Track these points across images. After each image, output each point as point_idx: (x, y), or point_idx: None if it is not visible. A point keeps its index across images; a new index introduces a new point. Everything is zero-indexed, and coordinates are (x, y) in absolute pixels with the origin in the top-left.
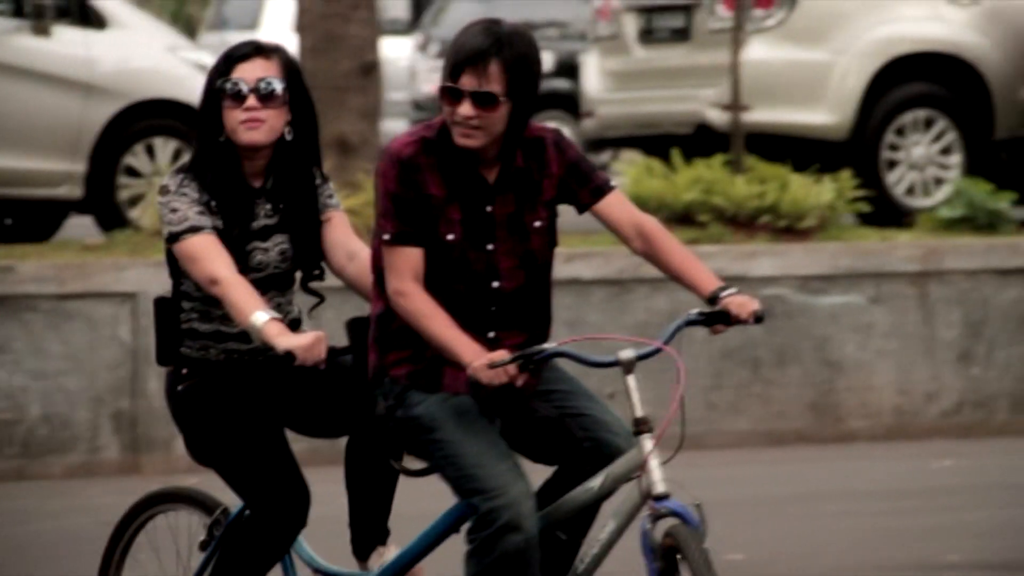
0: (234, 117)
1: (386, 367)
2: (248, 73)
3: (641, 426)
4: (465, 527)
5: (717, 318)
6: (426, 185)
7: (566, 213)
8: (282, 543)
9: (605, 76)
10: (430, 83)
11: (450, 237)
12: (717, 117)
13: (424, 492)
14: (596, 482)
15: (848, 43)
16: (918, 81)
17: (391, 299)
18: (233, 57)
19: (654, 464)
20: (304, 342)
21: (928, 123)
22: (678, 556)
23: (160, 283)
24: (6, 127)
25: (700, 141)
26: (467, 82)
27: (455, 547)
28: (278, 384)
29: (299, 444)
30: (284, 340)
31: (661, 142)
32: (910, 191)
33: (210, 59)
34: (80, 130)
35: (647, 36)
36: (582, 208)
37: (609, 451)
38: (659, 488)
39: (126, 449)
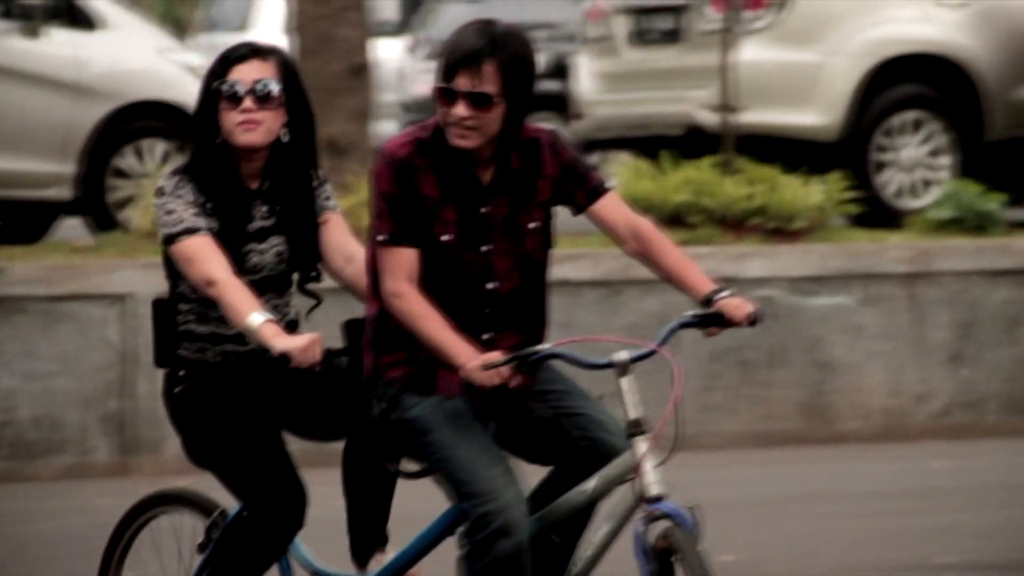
0: (231, 119)
1: (381, 369)
2: (245, 75)
3: (635, 428)
4: (459, 531)
5: (712, 320)
6: (421, 186)
7: (557, 214)
8: (279, 544)
9: (596, 77)
10: (421, 85)
11: (445, 238)
12: (708, 118)
13: (422, 494)
14: (590, 484)
15: (839, 45)
16: (909, 82)
17: (386, 300)
18: (230, 59)
19: (648, 466)
20: (300, 344)
21: (918, 124)
22: (673, 558)
23: (151, 285)
24: None
25: (691, 142)
26: (462, 83)
27: (452, 550)
28: (276, 386)
29: (296, 445)
30: (280, 342)
31: (652, 143)
32: (900, 192)
33: (200, 61)
34: (70, 132)
35: (638, 38)
36: (578, 210)
37: (605, 450)
38: (653, 490)
39: (116, 451)
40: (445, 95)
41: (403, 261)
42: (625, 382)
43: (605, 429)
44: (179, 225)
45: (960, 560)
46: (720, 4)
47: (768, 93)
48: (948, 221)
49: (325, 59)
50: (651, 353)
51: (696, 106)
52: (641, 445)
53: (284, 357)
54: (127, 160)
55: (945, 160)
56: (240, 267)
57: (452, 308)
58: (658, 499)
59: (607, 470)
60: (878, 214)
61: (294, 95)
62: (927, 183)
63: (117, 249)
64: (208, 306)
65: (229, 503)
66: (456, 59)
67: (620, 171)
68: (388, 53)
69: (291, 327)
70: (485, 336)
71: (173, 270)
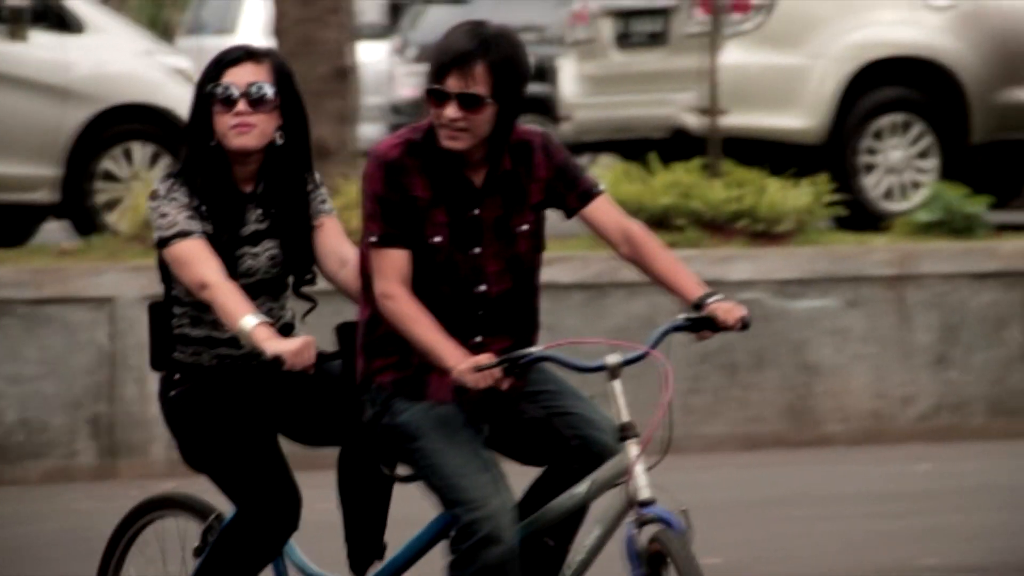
0: (224, 122)
1: (372, 373)
2: (239, 78)
3: (626, 432)
4: (447, 538)
5: (703, 324)
6: (412, 187)
7: (546, 217)
8: (273, 546)
9: (582, 80)
10: (407, 87)
11: (436, 240)
12: (694, 121)
13: (419, 495)
14: (582, 488)
15: (824, 47)
16: (894, 85)
17: (377, 302)
18: (224, 62)
19: (639, 470)
20: (292, 347)
21: (904, 127)
22: (663, 562)
23: (136, 288)
24: None
25: (677, 145)
26: (452, 84)
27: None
28: (271, 389)
29: (285, 448)
30: (272, 344)
31: (638, 146)
32: (886, 195)
33: (185, 64)
34: (56, 134)
35: (624, 40)
36: (570, 213)
37: (597, 449)
38: (644, 494)
39: (103, 454)
40: (435, 96)
41: (394, 262)
42: (616, 385)
43: (597, 428)
44: (172, 228)
45: (945, 563)
46: (705, 7)
47: (753, 96)
48: (933, 224)
49: (311, 62)
50: (643, 356)
51: (682, 109)
52: (632, 449)
53: (276, 360)
54: (114, 163)
55: (930, 163)
56: (233, 271)
57: (443, 311)
58: (649, 503)
59: (598, 474)
60: (863, 217)
61: (288, 98)
62: (915, 185)
63: (103, 252)
64: (202, 310)
65: (225, 507)
66: (447, 60)
67: (605, 174)
68: (372, 56)
69: (286, 330)
70: (476, 339)
71: (167, 273)
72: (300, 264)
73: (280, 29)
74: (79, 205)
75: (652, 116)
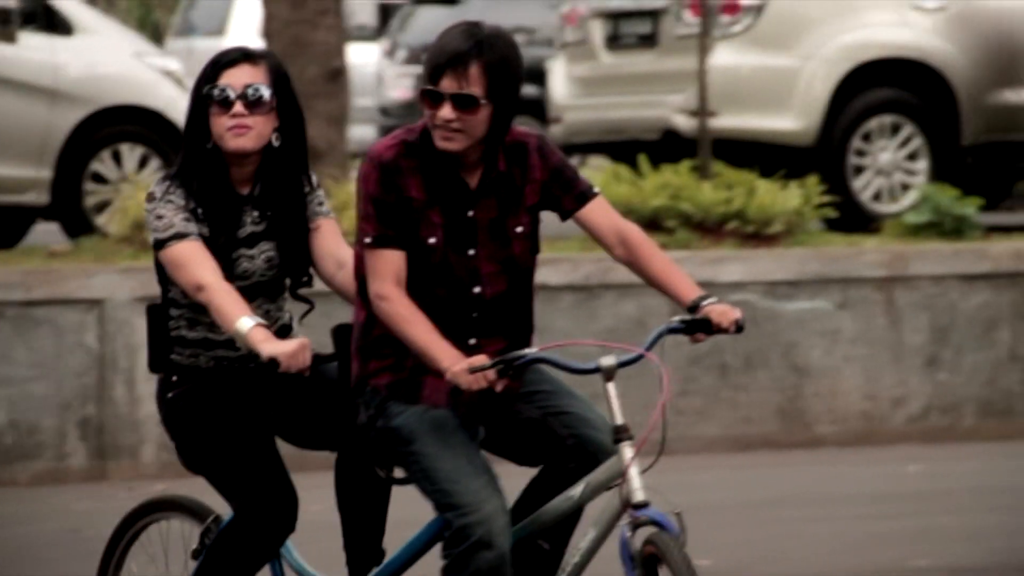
0: (221, 124)
1: (367, 376)
2: (235, 79)
3: (621, 434)
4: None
5: (698, 326)
6: (407, 188)
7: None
8: (270, 547)
9: (572, 82)
10: (397, 89)
11: (431, 241)
12: (684, 123)
13: (417, 497)
14: (576, 490)
15: (815, 49)
16: (885, 87)
17: (372, 303)
18: (220, 63)
19: (634, 472)
20: (288, 349)
21: (895, 129)
22: (658, 564)
23: (128, 289)
24: None
25: (667, 147)
26: (447, 85)
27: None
28: (268, 391)
29: (286, 448)
30: (268, 346)
31: (628, 148)
32: (877, 197)
33: (176, 65)
34: (46, 136)
35: (614, 42)
36: (565, 215)
37: (593, 448)
38: (638, 496)
39: (93, 456)
40: (430, 97)
41: (389, 263)
42: (611, 387)
43: (593, 427)
44: (168, 230)
45: (936, 564)
46: (695, 8)
47: (744, 97)
48: (924, 225)
49: (301, 64)
50: (638, 358)
51: (672, 110)
52: (627, 451)
53: (272, 362)
54: (105, 165)
55: (922, 164)
56: (230, 273)
57: (438, 312)
58: (643, 505)
59: (593, 476)
60: (854, 218)
61: (285, 100)
62: (905, 187)
63: (94, 254)
64: (199, 311)
65: (223, 509)
66: (442, 61)
67: (596, 175)
68: (364, 58)
69: (284, 332)
70: (471, 341)
71: (164, 275)
72: (297, 266)
73: (270, 31)
74: (71, 207)
75: (642, 118)
